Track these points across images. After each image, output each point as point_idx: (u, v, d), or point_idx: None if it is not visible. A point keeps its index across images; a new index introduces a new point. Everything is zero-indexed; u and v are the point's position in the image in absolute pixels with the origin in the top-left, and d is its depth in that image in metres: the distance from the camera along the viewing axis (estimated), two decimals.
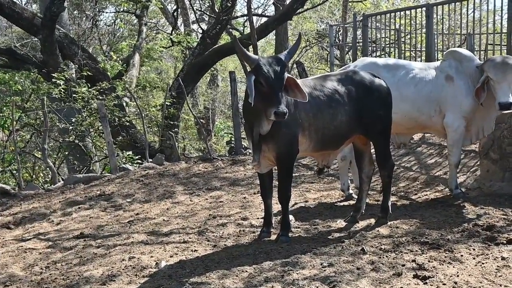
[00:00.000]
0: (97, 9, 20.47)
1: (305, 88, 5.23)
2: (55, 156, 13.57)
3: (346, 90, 5.36)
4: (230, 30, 20.56)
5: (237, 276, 4.29)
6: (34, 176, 13.15)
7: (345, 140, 5.47)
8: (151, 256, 5.03)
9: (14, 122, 11.41)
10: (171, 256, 4.99)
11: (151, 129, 14.77)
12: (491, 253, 4.46)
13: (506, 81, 5.99)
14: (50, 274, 4.83)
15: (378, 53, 13.08)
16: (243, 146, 10.61)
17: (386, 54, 13.15)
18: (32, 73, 13.32)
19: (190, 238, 5.55)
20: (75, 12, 20.04)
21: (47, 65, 13.06)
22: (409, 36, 12.43)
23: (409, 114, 6.37)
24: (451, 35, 13.30)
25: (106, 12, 23.60)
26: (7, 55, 13.75)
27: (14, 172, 12.24)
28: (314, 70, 24.33)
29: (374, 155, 5.68)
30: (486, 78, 6.08)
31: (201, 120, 15.28)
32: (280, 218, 5.37)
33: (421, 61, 11.21)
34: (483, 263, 4.24)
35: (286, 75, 4.84)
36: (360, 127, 5.42)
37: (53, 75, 12.28)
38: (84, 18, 20.12)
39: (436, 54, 10.54)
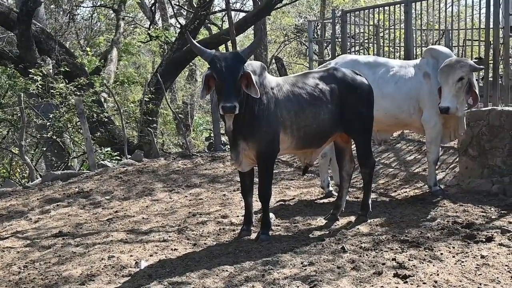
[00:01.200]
0: (74, 3, 20.22)
1: (286, 85, 5.22)
2: (32, 152, 13.42)
3: (328, 88, 5.35)
4: (209, 25, 20.47)
5: (217, 275, 4.28)
6: (11, 171, 12.99)
7: (328, 138, 5.47)
8: (131, 255, 4.98)
9: None
10: (150, 255, 4.96)
11: (129, 125, 14.66)
12: (471, 251, 4.49)
13: (446, 83, 6.04)
14: (29, 274, 4.77)
15: (356, 48, 13.12)
16: (222, 142, 10.58)
17: (365, 50, 13.20)
18: (8, 69, 13.12)
19: (170, 236, 5.51)
20: (51, 6, 19.76)
21: (23, 60, 12.87)
22: (387, 32, 12.46)
23: (389, 111, 6.41)
24: (429, 30, 13.38)
25: (83, 7, 23.29)
26: None
27: None
28: (292, 65, 24.35)
29: (355, 153, 5.70)
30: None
31: (180, 115, 15.18)
32: (260, 216, 5.36)
33: (399, 56, 11.28)
34: (462, 262, 4.27)
35: (245, 70, 4.78)
36: (342, 125, 5.42)
37: (30, 70, 12.11)
38: (61, 13, 19.86)
39: (414, 50, 10.60)
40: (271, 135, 5.04)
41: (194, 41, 5.04)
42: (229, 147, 5.36)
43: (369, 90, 5.56)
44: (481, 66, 6.99)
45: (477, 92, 6.17)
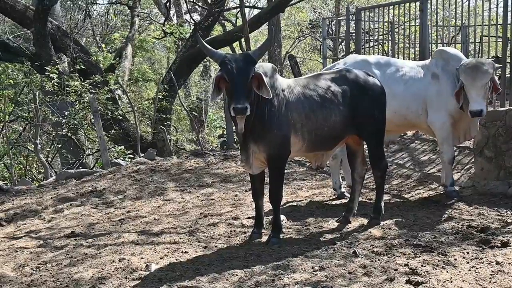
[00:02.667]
0: (89, 0, 20.28)
1: (298, 87, 5.17)
2: (48, 149, 13.50)
3: (340, 90, 5.28)
4: (223, 22, 20.43)
5: (227, 280, 4.25)
6: (28, 167, 13.08)
7: (340, 140, 5.41)
8: (142, 258, 4.96)
9: (7, 116, 11.34)
10: (161, 258, 4.93)
11: (143, 122, 14.68)
12: (485, 257, 4.42)
13: (474, 87, 5.91)
14: (40, 276, 4.76)
15: (371, 45, 13.00)
16: (235, 140, 10.54)
17: (380, 46, 13.08)
18: (25, 66, 13.21)
19: (180, 238, 5.49)
20: (67, 3, 19.84)
21: (39, 58, 12.96)
22: (402, 27, 12.33)
23: (398, 111, 6.35)
24: (445, 26, 13.23)
25: (99, 4, 23.36)
26: (0, 48, 13.62)
27: (8, 164, 12.16)
28: (307, 61, 24.26)
29: (368, 155, 5.63)
30: (461, 82, 6.03)
31: (194, 112, 15.16)
32: (272, 219, 5.32)
33: (414, 53, 11.16)
34: (477, 268, 4.20)
35: (255, 71, 4.75)
36: (354, 127, 5.35)
37: (46, 68, 12.17)
38: (76, 10, 19.93)
39: (430, 46, 10.47)
40: (282, 138, 4.99)
41: (205, 43, 4.99)
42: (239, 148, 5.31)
43: (381, 91, 5.49)
44: (500, 64, 6.90)
45: (498, 85, 6.09)
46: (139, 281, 4.41)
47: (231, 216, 6.19)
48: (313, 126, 5.14)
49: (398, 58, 10.03)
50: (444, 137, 6.37)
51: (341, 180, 6.87)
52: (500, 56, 8.59)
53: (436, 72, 6.37)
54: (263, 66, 5.06)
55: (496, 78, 6.18)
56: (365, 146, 5.67)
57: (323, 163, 5.62)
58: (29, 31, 14.16)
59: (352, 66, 6.12)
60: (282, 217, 5.55)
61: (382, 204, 5.63)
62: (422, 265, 4.29)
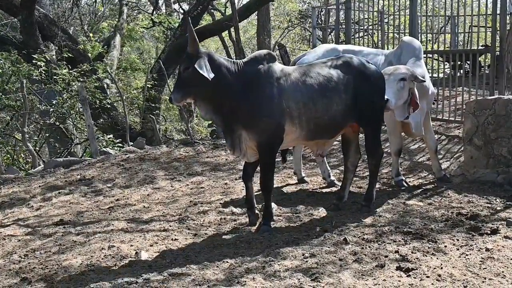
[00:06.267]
0: None
1: (296, 74, 5.13)
2: (36, 138, 13.39)
3: (342, 78, 5.22)
4: (212, 11, 20.32)
5: (217, 267, 4.23)
6: (15, 157, 12.97)
7: (341, 128, 5.38)
8: (131, 245, 4.94)
9: None
10: (151, 245, 4.91)
11: (132, 112, 14.60)
12: (475, 244, 4.43)
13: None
14: (29, 263, 4.72)
15: (361, 35, 12.99)
16: None
17: (369, 36, 13.06)
18: (12, 54, 13.07)
19: (170, 226, 5.47)
20: None
21: (27, 46, 12.81)
22: (392, 17, 12.32)
23: None
24: (434, 16, 13.23)
25: None
26: None
27: None
28: (296, 52, 24.17)
29: (364, 143, 5.62)
30: None
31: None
32: (262, 206, 5.31)
33: None
34: (467, 255, 4.22)
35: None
36: (355, 115, 5.30)
37: (34, 56, 12.06)
38: None
39: (419, 36, 10.47)
40: (273, 126, 4.94)
41: (194, 32, 4.92)
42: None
43: (381, 79, 5.45)
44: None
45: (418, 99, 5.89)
46: (129, 267, 4.38)
47: (221, 203, 6.18)
48: (312, 115, 5.07)
49: (387, 48, 10.02)
50: (391, 129, 6.42)
51: (329, 169, 6.87)
52: (490, 45, 8.61)
53: (392, 61, 6.33)
54: (259, 52, 5.20)
55: (416, 92, 5.86)
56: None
57: (325, 152, 5.63)
58: (16, 19, 14.02)
59: (323, 55, 6.22)
60: (273, 205, 5.53)
61: (374, 192, 5.62)
62: (412, 252, 4.29)
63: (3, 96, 12.35)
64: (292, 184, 6.95)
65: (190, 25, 4.98)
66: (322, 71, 5.21)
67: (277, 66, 5.11)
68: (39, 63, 11.88)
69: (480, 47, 10.59)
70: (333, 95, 5.14)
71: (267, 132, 4.94)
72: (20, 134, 11.54)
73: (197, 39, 4.87)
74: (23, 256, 4.96)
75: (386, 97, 5.47)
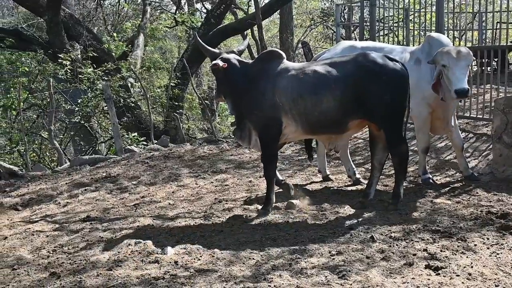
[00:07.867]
0: None
1: (292, 72, 5.47)
2: (61, 136, 13.53)
3: (340, 75, 5.30)
4: (234, 9, 20.33)
5: (244, 263, 4.22)
6: (41, 155, 13.12)
7: (345, 125, 5.41)
8: (157, 242, 4.94)
9: (21, 103, 11.39)
10: (177, 242, 4.91)
11: (155, 110, 14.67)
12: (506, 242, 4.36)
13: (459, 66, 5.71)
14: (57, 258, 4.76)
15: (385, 32, 12.89)
16: None
17: (394, 34, 12.95)
18: (38, 54, 13.23)
19: (196, 222, 5.48)
20: None
21: (53, 46, 12.99)
22: (417, 15, 12.19)
23: None
24: (461, 13, 13.07)
25: None
26: (14, 36, 13.66)
27: (22, 151, 12.21)
28: (319, 50, 24.09)
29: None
30: (440, 70, 5.85)
31: (206, 101, 15.12)
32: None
33: None
34: (497, 254, 4.14)
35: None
36: (361, 112, 5.32)
37: (59, 56, 12.19)
38: None
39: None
40: (266, 120, 5.44)
41: (203, 43, 5.83)
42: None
43: (399, 76, 5.34)
44: None
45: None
46: (156, 263, 4.39)
47: (245, 201, 6.17)
48: (302, 110, 5.37)
49: (413, 46, 9.91)
50: (419, 126, 6.32)
51: (354, 167, 6.81)
52: None
53: (419, 58, 6.23)
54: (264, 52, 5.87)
55: None
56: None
57: (337, 147, 5.71)
58: (42, 20, 14.18)
59: (341, 52, 6.26)
60: (296, 201, 5.73)
61: (401, 190, 5.54)
62: (441, 250, 4.23)
63: (29, 95, 12.52)
64: (317, 182, 6.91)
65: (197, 38, 5.95)
66: (319, 69, 5.42)
67: (276, 64, 5.53)
68: (64, 62, 12.03)
69: (509, 43, 10.44)
70: (323, 92, 5.30)
71: (262, 125, 5.50)
72: (46, 132, 11.68)
73: (209, 48, 5.75)
74: (51, 251, 5.01)
75: (462, 86, 5.56)
